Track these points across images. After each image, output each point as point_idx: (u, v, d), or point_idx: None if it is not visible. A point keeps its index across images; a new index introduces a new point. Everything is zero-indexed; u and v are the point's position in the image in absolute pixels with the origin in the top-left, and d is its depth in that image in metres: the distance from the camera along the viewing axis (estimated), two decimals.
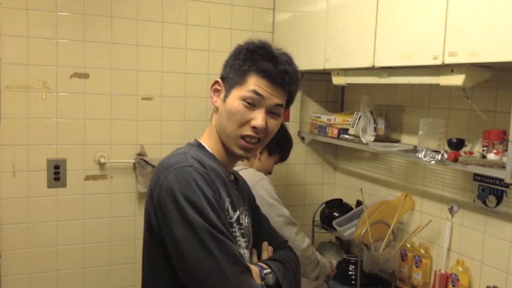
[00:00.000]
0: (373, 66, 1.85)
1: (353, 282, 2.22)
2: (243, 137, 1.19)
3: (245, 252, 1.22)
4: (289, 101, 1.26)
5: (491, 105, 1.75)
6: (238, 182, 1.33)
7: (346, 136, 2.33)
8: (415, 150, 1.90)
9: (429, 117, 2.03)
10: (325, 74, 2.37)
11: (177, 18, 2.40)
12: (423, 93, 2.09)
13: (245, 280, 1.08)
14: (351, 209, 2.44)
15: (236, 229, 1.20)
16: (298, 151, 2.69)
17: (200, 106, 2.46)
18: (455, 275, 1.84)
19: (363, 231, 2.03)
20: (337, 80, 2.18)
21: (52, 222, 2.26)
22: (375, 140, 2.13)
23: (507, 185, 1.69)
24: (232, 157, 1.26)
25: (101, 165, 2.32)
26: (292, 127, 2.61)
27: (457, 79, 1.54)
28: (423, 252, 2.05)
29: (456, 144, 1.71)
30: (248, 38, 1.24)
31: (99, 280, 2.37)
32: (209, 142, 1.24)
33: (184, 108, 2.46)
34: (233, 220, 1.19)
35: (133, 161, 2.35)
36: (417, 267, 2.02)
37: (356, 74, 2.06)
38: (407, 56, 1.68)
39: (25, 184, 2.20)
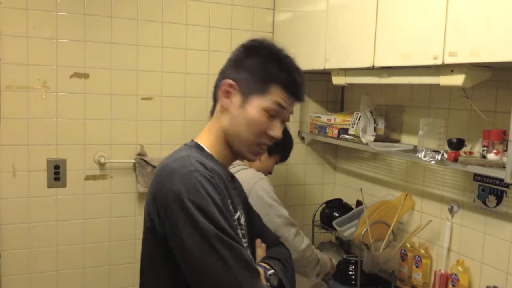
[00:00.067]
0: (373, 66, 1.85)
1: (353, 282, 2.22)
2: (258, 145, 1.20)
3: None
4: None
5: (491, 105, 1.75)
6: (235, 181, 1.33)
7: (346, 136, 2.33)
8: (415, 150, 1.90)
9: (429, 117, 2.03)
10: (325, 74, 2.37)
11: (177, 18, 2.40)
12: (423, 93, 2.09)
13: (256, 285, 1.09)
14: (351, 209, 2.44)
15: (239, 230, 1.19)
16: (298, 151, 2.69)
17: (200, 106, 2.46)
18: (455, 275, 1.84)
19: (363, 231, 2.03)
20: (337, 80, 2.18)
21: (52, 222, 2.26)
22: (375, 140, 2.13)
23: (507, 185, 1.69)
24: (233, 158, 1.25)
25: (101, 165, 2.32)
26: (292, 127, 2.60)
27: (457, 79, 1.54)
28: (423, 252, 2.05)
29: (456, 144, 1.71)
30: (261, 37, 1.23)
31: (99, 280, 2.37)
32: (208, 142, 1.22)
33: (184, 108, 2.46)
34: (235, 222, 1.19)
35: (133, 161, 2.35)
36: (417, 267, 2.02)
37: (356, 74, 2.06)
38: (407, 56, 1.67)
39: (25, 184, 2.20)
